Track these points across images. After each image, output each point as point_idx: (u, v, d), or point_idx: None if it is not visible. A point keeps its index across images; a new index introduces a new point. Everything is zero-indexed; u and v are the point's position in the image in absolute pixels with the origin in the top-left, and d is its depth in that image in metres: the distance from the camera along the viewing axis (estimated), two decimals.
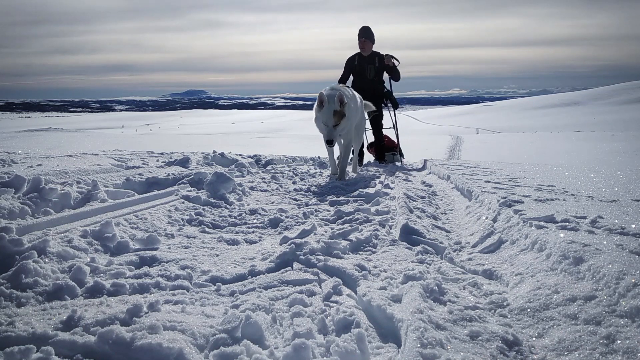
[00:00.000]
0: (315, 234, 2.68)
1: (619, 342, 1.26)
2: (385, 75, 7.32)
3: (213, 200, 3.57)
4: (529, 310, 1.56)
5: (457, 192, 4.11)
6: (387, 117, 7.67)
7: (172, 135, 26.16)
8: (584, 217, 2.35)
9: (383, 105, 7.34)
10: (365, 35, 7.04)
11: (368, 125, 7.06)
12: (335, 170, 5.57)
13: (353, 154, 5.94)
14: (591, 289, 1.53)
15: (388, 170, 6.14)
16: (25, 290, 1.72)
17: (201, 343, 1.40)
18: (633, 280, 1.44)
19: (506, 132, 38.83)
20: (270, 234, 2.85)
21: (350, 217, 3.14)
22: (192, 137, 21.53)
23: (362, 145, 6.91)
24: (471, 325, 1.46)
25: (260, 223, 3.07)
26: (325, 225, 3.01)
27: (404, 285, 1.77)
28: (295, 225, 3.00)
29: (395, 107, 7.54)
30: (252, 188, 4.43)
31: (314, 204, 3.76)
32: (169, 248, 2.45)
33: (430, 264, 2.15)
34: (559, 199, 2.98)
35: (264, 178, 5.15)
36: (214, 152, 6.32)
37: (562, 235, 2.02)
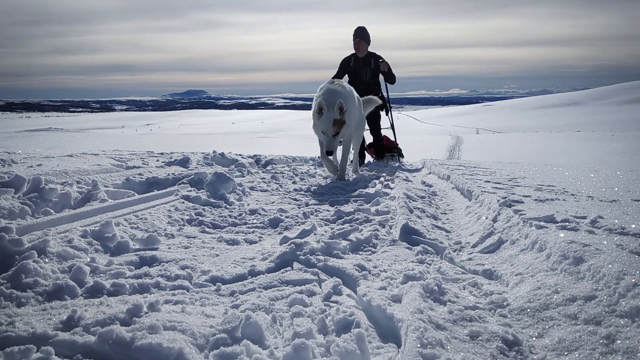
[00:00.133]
0: (315, 234, 2.68)
1: (619, 342, 1.25)
2: (381, 77, 7.31)
3: (213, 200, 3.57)
4: (529, 310, 1.56)
5: (457, 192, 4.11)
6: (384, 117, 7.68)
7: (172, 135, 26.18)
8: (584, 217, 2.35)
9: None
10: (360, 35, 6.93)
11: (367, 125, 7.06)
12: (333, 170, 5.28)
13: (353, 153, 5.84)
14: (591, 289, 1.53)
15: (388, 170, 6.14)
16: (25, 290, 1.72)
17: (201, 343, 1.40)
18: (633, 280, 1.44)
19: (506, 132, 38.85)
20: (270, 234, 2.85)
21: (350, 217, 3.14)
22: (192, 137, 21.55)
23: (363, 146, 6.89)
24: (471, 325, 1.46)
25: (260, 223, 3.07)
26: (325, 225, 3.01)
27: (404, 285, 1.77)
28: (295, 225, 3.00)
29: (386, 113, 7.58)
30: (252, 188, 4.43)
31: (314, 204, 3.76)
32: (169, 248, 2.44)
33: (430, 264, 2.15)
34: (559, 199, 2.98)
35: (264, 178, 5.15)
36: (214, 152, 6.32)
37: (562, 235, 2.02)
